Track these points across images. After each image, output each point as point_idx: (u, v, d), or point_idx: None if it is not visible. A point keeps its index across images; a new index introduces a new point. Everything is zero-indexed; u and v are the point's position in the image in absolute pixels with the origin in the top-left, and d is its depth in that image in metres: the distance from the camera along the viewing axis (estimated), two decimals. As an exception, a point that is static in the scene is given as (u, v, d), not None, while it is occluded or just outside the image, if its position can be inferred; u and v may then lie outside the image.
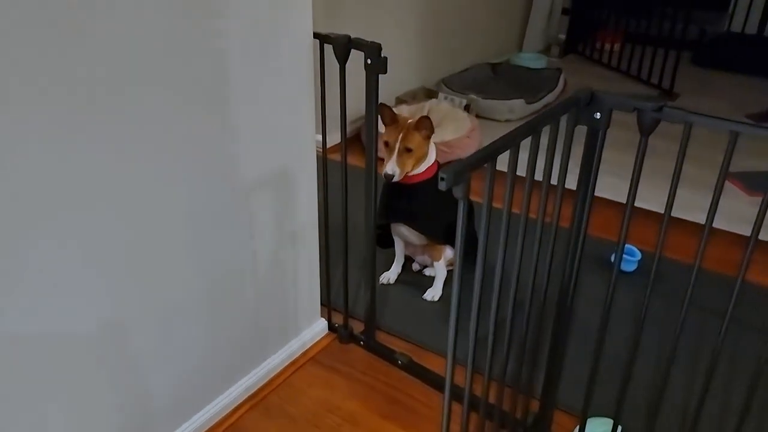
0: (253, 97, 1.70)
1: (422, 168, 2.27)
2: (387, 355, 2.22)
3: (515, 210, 1.31)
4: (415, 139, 2.19)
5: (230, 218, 1.77)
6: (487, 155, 1.17)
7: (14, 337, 1.34)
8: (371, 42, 1.80)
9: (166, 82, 1.46)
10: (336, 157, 2.20)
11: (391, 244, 2.60)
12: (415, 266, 2.70)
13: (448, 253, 2.50)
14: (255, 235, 1.87)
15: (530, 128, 1.28)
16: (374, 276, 2.23)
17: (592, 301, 2.41)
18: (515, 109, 4.27)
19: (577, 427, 1.77)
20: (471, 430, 1.77)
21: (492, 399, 1.57)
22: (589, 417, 1.77)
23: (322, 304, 2.30)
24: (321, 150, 2.02)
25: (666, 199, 1.40)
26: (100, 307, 1.50)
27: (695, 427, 1.58)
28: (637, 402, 2.03)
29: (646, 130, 1.36)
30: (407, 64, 4.38)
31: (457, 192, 1.10)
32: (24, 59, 1.19)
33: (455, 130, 3.70)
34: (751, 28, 5.93)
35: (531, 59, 5.39)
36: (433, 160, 2.30)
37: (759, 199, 3.22)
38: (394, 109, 2.24)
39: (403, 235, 2.50)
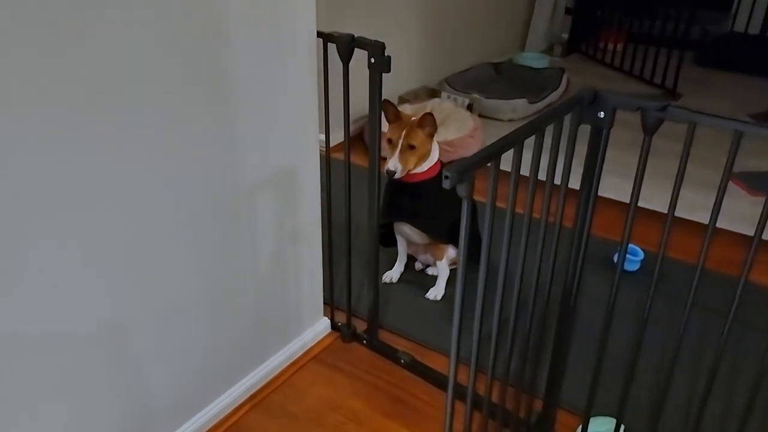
0: (256, 97, 1.70)
1: (425, 167, 2.27)
2: (390, 354, 2.22)
3: (518, 210, 1.30)
4: (418, 137, 2.19)
5: (232, 217, 1.77)
6: (491, 154, 1.17)
7: (14, 337, 1.34)
8: (374, 41, 1.80)
9: (167, 82, 1.46)
10: (338, 156, 2.20)
11: (394, 243, 2.60)
12: (418, 265, 2.70)
13: (451, 252, 2.50)
14: (257, 234, 1.87)
15: (534, 127, 1.28)
16: (377, 275, 2.23)
17: (595, 300, 2.41)
18: (518, 109, 4.27)
19: (580, 426, 1.77)
20: (474, 429, 1.77)
21: (495, 398, 1.56)
22: (592, 416, 1.77)
23: (324, 302, 2.30)
24: (324, 149, 2.02)
25: (668, 198, 1.40)
26: (101, 306, 1.50)
27: (698, 426, 1.58)
28: (640, 401, 2.03)
29: (649, 129, 1.36)
30: (410, 64, 4.38)
31: (461, 190, 1.10)
32: (24, 59, 1.19)
33: (458, 130, 3.70)
34: (754, 28, 5.92)
35: (534, 59, 5.38)
36: (436, 159, 2.30)
37: (762, 199, 3.23)
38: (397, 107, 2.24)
39: (406, 234, 2.50)
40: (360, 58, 1.86)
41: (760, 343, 2.29)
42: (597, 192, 1.50)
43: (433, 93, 4.36)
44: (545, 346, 1.74)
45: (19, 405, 1.41)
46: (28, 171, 1.26)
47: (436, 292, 2.51)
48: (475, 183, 1.15)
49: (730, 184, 3.29)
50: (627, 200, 1.47)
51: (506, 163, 1.21)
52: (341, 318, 2.33)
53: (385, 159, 2.18)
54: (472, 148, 3.62)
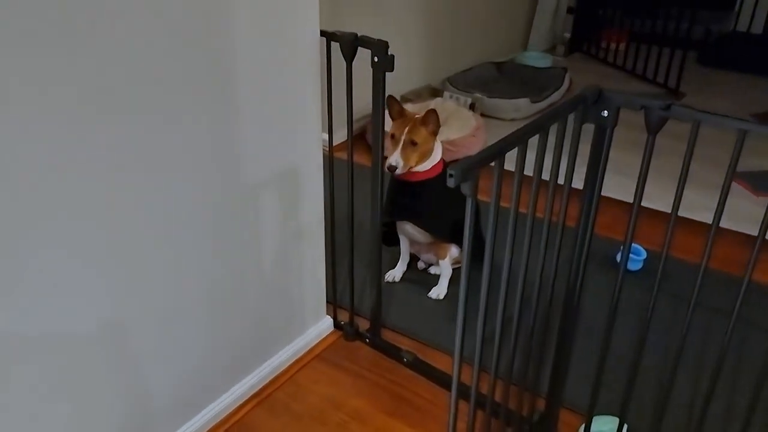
0: (259, 96, 1.71)
1: (428, 165, 2.27)
2: (392, 352, 2.22)
3: (522, 209, 1.30)
4: (421, 133, 2.19)
5: (235, 216, 1.77)
6: (495, 153, 1.17)
7: (14, 337, 1.34)
8: (378, 40, 1.80)
9: (169, 82, 1.46)
10: (340, 155, 2.20)
11: (397, 243, 2.60)
12: (421, 264, 2.70)
13: (454, 251, 2.50)
14: (260, 233, 1.87)
15: (538, 126, 1.28)
16: (380, 274, 2.24)
17: (598, 299, 2.41)
18: (520, 108, 4.27)
19: (583, 425, 1.77)
20: (477, 428, 1.77)
21: (498, 397, 1.57)
22: (595, 415, 1.77)
23: (327, 301, 2.30)
24: (326, 148, 2.02)
25: (670, 198, 1.40)
26: (102, 306, 1.50)
27: (701, 426, 1.58)
28: (643, 400, 2.03)
29: (653, 128, 1.36)
30: (412, 63, 4.38)
31: (465, 189, 1.10)
32: (26, 59, 1.20)
33: (460, 129, 3.70)
34: (757, 28, 5.91)
35: (536, 58, 5.38)
36: (438, 158, 2.30)
37: (765, 199, 3.22)
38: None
39: (409, 233, 2.51)
40: (362, 57, 1.86)
41: (763, 343, 2.29)
42: (600, 191, 1.50)
43: (435, 92, 4.36)
44: (548, 345, 1.75)
45: (19, 405, 1.41)
46: (28, 170, 1.26)
47: (438, 291, 2.51)
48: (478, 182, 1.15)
49: (733, 184, 3.29)
50: (629, 199, 1.47)
51: (509, 162, 1.21)
52: (344, 317, 2.34)
53: (387, 158, 2.18)
54: (474, 148, 3.62)
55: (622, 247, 1.49)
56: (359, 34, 1.84)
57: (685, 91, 4.82)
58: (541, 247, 1.48)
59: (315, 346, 2.26)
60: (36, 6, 1.18)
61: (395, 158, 2.18)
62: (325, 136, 1.98)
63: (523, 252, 1.41)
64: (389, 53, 1.81)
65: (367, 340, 2.28)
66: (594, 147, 1.47)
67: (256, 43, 1.64)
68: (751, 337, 2.32)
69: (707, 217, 2.97)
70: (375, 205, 2.09)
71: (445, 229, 2.40)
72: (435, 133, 2.24)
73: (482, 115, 4.16)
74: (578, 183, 1.47)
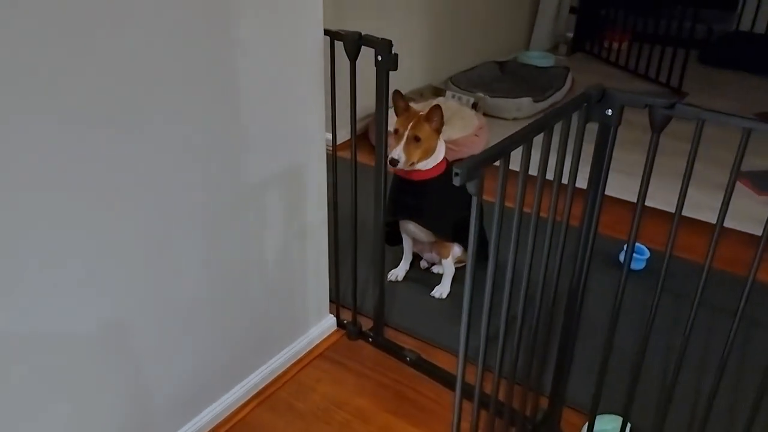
0: (263, 95, 1.71)
1: (430, 164, 2.27)
2: (396, 351, 2.22)
3: (525, 209, 1.30)
4: (425, 130, 2.19)
5: (239, 215, 1.77)
6: (500, 151, 1.17)
7: (14, 337, 1.34)
8: (382, 39, 1.80)
9: (173, 81, 1.46)
10: (343, 154, 2.21)
11: (400, 242, 2.60)
12: (423, 264, 2.70)
13: (456, 250, 2.50)
14: (264, 232, 1.87)
15: (542, 125, 1.28)
16: (383, 273, 2.24)
17: (600, 298, 2.41)
18: (523, 108, 4.26)
19: (586, 424, 1.77)
20: (480, 428, 1.77)
21: (501, 396, 1.57)
22: (598, 414, 1.77)
23: (330, 300, 2.30)
24: (330, 147, 2.02)
25: (673, 197, 1.39)
26: (104, 306, 1.50)
27: (705, 425, 1.58)
28: (647, 399, 2.03)
29: (657, 127, 1.36)
30: (414, 62, 4.38)
31: (471, 187, 1.10)
32: (31, 58, 1.20)
33: (463, 128, 3.70)
34: (760, 27, 5.90)
35: (538, 57, 5.38)
36: (441, 157, 2.30)
37: (768, 198, 3.22)
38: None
39: (412, 232, 2.51)
40: (365, 56, 1.86)
41: (766, 342, 2.29)
42: (604, 190, 1.50)
43: (437, 92, 4.36)
44: (551, 344, 1.75)
45: (19, 405, 1.41)
46: (28, 170, 1.26)
47: (441, 290, 2.52)
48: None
49: (737, 183, 3.29)
50: (632, 199, 1.47)
51: (512, 162, 1.21)
52: (347, 316, 2.34)
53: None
54: (476, 147, 3.62)
55: (625, 247, 1.49)
56: (362, 33, 1.84)
57: (688, 90, 4.82)
58: (544, 247, 1.48)
59: (318, 345, 2.26)
60: (37, 6, 1.18)
61: (398, 152, 2.17)
62: (329, 135, 1.98)
63: (527, 251, 1.41)
64: (393, 52, 1.81)
65: (370, 339, 2.28)
66: (598, 146, 1.47)
67: (259, 42, 1.64)
68: (755, 335, 2.32)
69: (709, 216, 2.97)
70: (378, 204, 2.09)
71: (447, 228, 2.40)
72: (438, 131, 2.24)
73: (484, 114, 4.16)
74: (581, 182, 1.47)
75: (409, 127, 2.18)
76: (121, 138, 1.40)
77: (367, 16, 3.78)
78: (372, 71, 1.85)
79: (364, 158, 3.27)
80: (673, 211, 1.40)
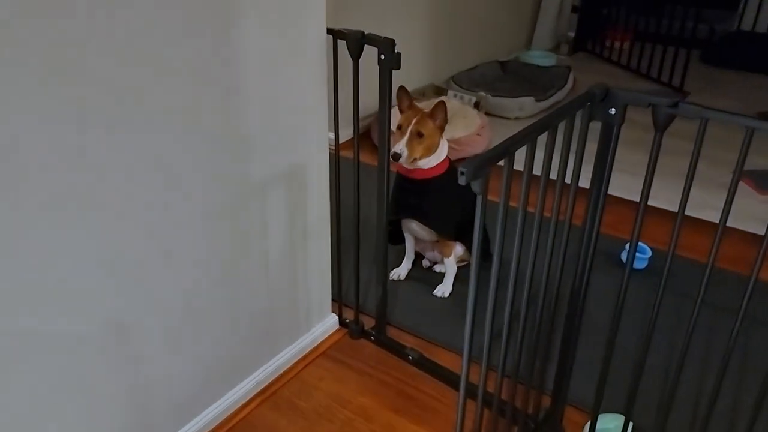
0: (267, 94, 1.71)
1: (433, 162, 2.27)
2: (398, 350, 2.23)
3: (528, 208, 1.31)
4: (429, 126, 2.19)
5: (242, 214, 1.77)
6: (505, 151, 1.17)
7: (14, 337, 1.34)
8: (385, 38, 1.81)
9: (177, 80, 1.47)
10: (346, 153, 2.21)
11: (402, 241, 2.60)
12: (425, 263, 2.70)
13: (458, 249, 2.51)
14: (267, 231, 1.88)
15: (546, 124, 1.29)
16: (385, 272, 2.24)
17: (602, 297, 2.41)
18: (525, 107, 4.26)
19: (589, 422, 1.78)
20: (483, 426, 1.77)
21: (504, 395, 1.57)
22: (600, 413, 1.78)
23: (333, 299, 2.30)
24: (332, 147, 2.02)
25: (674, 196, 1.40)
26: (106, 304, 1.50)
27: (707, 424, 1.58)
28: (649, 398, 2.03)
29: (661, 125, 1.36)
30: (416, 62, 4.38)
31: (476, 187, 1.10)
32: (44, 59, 1.20)
33: (465, 128, 3.70)
34: (761, 27, 5.90)
35: (540, 57, 5.37)
36: (444, 156, 2.30)
37: (771, 197, 3.22)
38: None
39: (414, 231, 2.51)
40: (368, 55, 1.86)
41: (768, 341, 2.30)
42: (607, 189, 1.51)
43: (439, 91, 4.36)
44: (553, 342, 1.75)
45: (20, 405, 1.41)
46: (30, 170, 1.26)
47: (443, 289, 2.52)
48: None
49: (739, 183, 3.29)
50: (634, 198, 1.47)
51: (515, 161, 1.21)
52: (349, 315, 2.34)
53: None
54: (479, 146, 3.62)
55: (627, 246, 1.50)
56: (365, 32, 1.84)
57: (689, 90, 4.81)
58: (547, 246, 1.48)
59: (320, 343, 2.27)
60: (38, 5, 1.18)
61: (400, 147, 2.18)
62: (331, 134, 1.99)
63: (531, 251, 1.41)
64: (396, 51, 1.81)
65: (373, 338, 2.29)
66: (601, 145, 1.47)
67: (262, 41, 1.64)
68: (757, 334, 2.32)
69: (711, 216, 2.97)
70: (381, 203, 2.09)
71: (450, 227, 2.41)
72: (442, 128, 2.24)
73: (486, 113, 4.16)
74: (583, 182, 1.47)
75: (412, 122, 2.18)
76: (122, 137, 1.40)
77: (368, 15, 3.78)
78: (374, 70, 1.85)
79: (366, 158, 3.27)
80: (674, 210, 1.41)
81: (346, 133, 3.48)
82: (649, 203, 1.45)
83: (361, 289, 2.38)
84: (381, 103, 1.91)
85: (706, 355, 2.22)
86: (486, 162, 1.10)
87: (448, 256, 2.49)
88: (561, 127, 1.35)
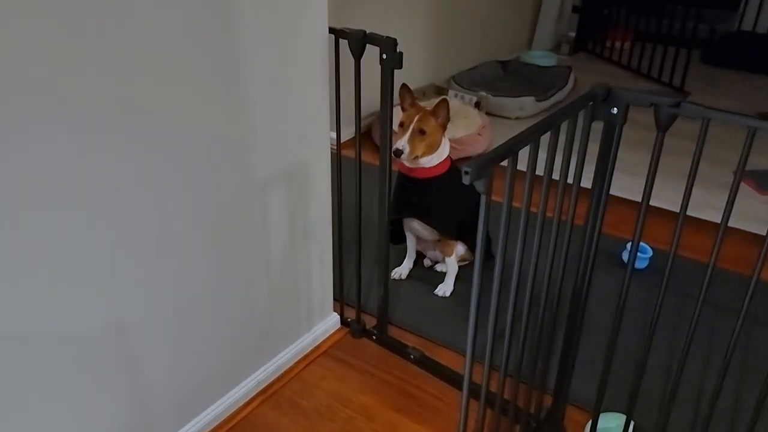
0: (269, 94, 1.71)
1: (435, 161, 2.28)
2: (399, 349, 2.23)
3: (527, 207, 1.31)
4: (431, 123, 2.20)
5: (243, 214, 1.78)
6: (509, 150, 1.17)
7: (14, 337, 1.34)
8: (387, 37, 1.81)
9: (178, 80, 1.47)
10: (347, 152, 2.21)
11: (403, 240, 2.61)
12: (427, 262, 2.71)
13: (460, 249, 2.51)
14: (269, 230, 1.88)
15: (549, 124, 1.29)
16: (387, 271, 2.24)
17: (603, 297, 2.41)
18: (525, 107, 4.27)
19: (590, 422, 1.78)
20: (485, 425, 1.78)
21: (506, 394, 1.57)
22: (602, 412, 1.78)
23: (334, 298, 2.31)
24: (334, 146, 2.02)
25: (675, 195, 1.40)
26: (107, 303, 1.50)
27: (708, 423, 1.58)
28: (650, 398, 2.04)
29: (663, 125, 1.36)
30: (417, 61, 4.38)
31: (480, 186, 1.11)
32: (46, 59, 1.21)
33: (466, 127, 3.70)
34: (762, 27, 5.90)
35: (541, 57, 5.38)
36: (446, 155, 2.31)
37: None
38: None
39: (416, 230, 2.51)
40: (370, 54, 1.86)
41: (768, 341, 2.30)
42: (609, 189, 1.51)
43: (440, 91, 4.36)
44: (555, 342, 1.75)
45: (20, 405, 1.41)
46: (31, 169, 1.26)
47: (444, 289, 2.52)
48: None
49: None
50: (635, 198, 1.48)
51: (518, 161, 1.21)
52: (351, 314, 2.35)
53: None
54: (479, 146, 3.63)
55: (628, 246, 1.50)
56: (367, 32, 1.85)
57: (690, 90, 4.82)
58: (548, 246, 1.48)
59: (322, 342, 2.27)
60: (40, 5, 1.18)
61: (402, 143, 2.18)
62: (333, 134, 1.99)
63: (533, 251, 1.41)
64: (398, 50, 1.81)
65: (374, 337, 2.29)
66: (603, 144, 1.47)
67: (264, 41, 1.64)
68: (758, 334, 2.32)
69: (711, 215, 2.97)
70: (382, 203, 2.09)
71: (451, 226, 2.41)
72: (444, 126, 2.25)
73: (487, 113, 4.16)
74: (585, 182, 1.48)
75: (415, 119, 2.19)
76: (123, 137, 1.40)
77: (369, 13, 3.78)
78: (375, 69, 1.86)
79: (368, 157, 3.27)
80: (675, 210, 1.41)
81: (347, 133, 3.49)
82: (650, 203, 1.46)
83: (363, 288, 2.38)
84: (383, 102, 1.91)
85: (708, 355, 2.22)
86: (490, 162, 1.11)
87: (450, 256, 2.49)
88: (563, 127, 1.35)
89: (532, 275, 1.44)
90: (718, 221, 1.39)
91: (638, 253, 2.65)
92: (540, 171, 1.31)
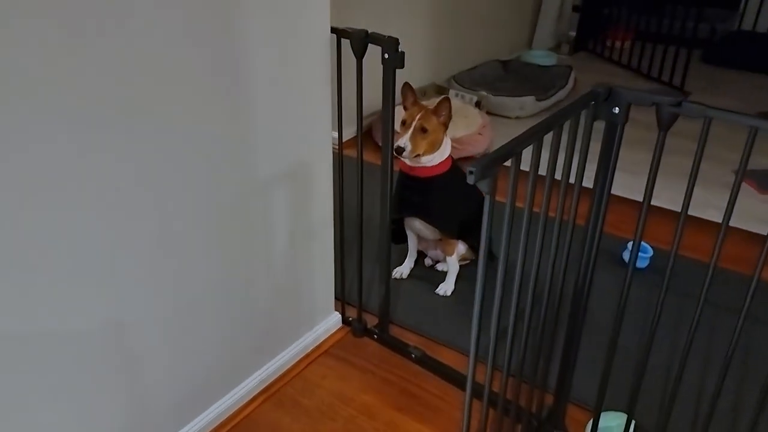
0: (271, 93, 1.71)
1: (436, 160, 2.28)
2: (400, 348, 2.23)
3: (529, 207, 1.31)
4: (433, 122, 2.20)
5: (245, 213, 1.78)
6: (512, 150, 1.17)
7: (14, 337, 1.34)
8: (389, 37, 1.81)
9: (179, 79, 1.47)
10: (348, 152, 2.21)
11: (405, 240, 2.61)
12: (428, 261, 2.71)
13: (461, 248, 2.51)
14: (270, 229, 1.88)
15: (551, 123, 1.29)
16: (388, 270, 2.24)
17: (604, 296, 2.41)
18: (526, 106, 4.27)
19: (591, 420, 1.78)
20: (487, 425, 1.78)
21: (508, 393, 1.57)
22: (603, 411, 1.78)
23: (336, 298, 2.31)
24: (336, 146, 2.02)
25: (676, 195, 1.40)
26: (108, 302, 1.50)
27: (709, 422, 1.58)
28: (651, 397, 2.04)
29: (664, 124, 1.36)
30: (417, 61, 4.38)
31: (484, 186, 1.11)
32: (46, 58, 1.21)
33: (466, 127, 3.70)
34: (762, 27, 5.91)
35: (541, 56, 5.38)
36: (447, 155, 2.31)
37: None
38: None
39: (417, 230, 2.51)
40: (371, 54, 1.86)
41: (769, 341, 2.30)
42: (611, 188, 1.51)
43: (441, 90, 4.36)
44: (556, 341, 1.75)
45: (20, 405, 1.41)
46: (31, 169, 1.25)
47: (445, 288, 2.52)
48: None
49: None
50: (635, 197, 1.47)
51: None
52: (352, 313, 2.35)
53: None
54: (480, 146, 3.63)
55: (629, 245, 1.50)
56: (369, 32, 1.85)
57: (690, 89, 4.82)
58: (552, 246, 1.48)
59: (323, 342, 2.27)
60: (40, 5, 1.18)
61: (404, 141, 2.19)
62: (334, 133, 1.99)
63: (535, 250, 1.41)
64: (399, 50, 1.82)
65: (375, 336, 2.29)
66: (604, 144, 1.47)
67: (266, 40, 1.64)
68: (759, 334, 2.32)
69: (712, 215, 2.98)
70: (384, 202, 2.09)
71: (453, 225, 2.41)
72: (446, 125, 2.25)
73: (487, 113, 4.16)
74: (586, 182, 1.48)
75: (417, 118, 2.19)
76: (123, 137, 1.40)
77: (369, 13, 3.78)
78: (376, 69, 1.86)
79: (369, 156, 3.27)
80: (676, 209, 1.42)
81: (348, 132, 3.49)
82: (651, 202, 1.46)
83: (364, 287, 2.38)
84: (384, 101, 1.91)
85: (708, 354, 2.23)
86: (494, 161, 1.11)
87: (451, 255, 2.49)
88: (566, 127, 1.35)
89: (534, 275, 1.44)
90: (719, 221, 1.39)
91: (639, 253, 2.65)
92: (542, 171, 1.31)
